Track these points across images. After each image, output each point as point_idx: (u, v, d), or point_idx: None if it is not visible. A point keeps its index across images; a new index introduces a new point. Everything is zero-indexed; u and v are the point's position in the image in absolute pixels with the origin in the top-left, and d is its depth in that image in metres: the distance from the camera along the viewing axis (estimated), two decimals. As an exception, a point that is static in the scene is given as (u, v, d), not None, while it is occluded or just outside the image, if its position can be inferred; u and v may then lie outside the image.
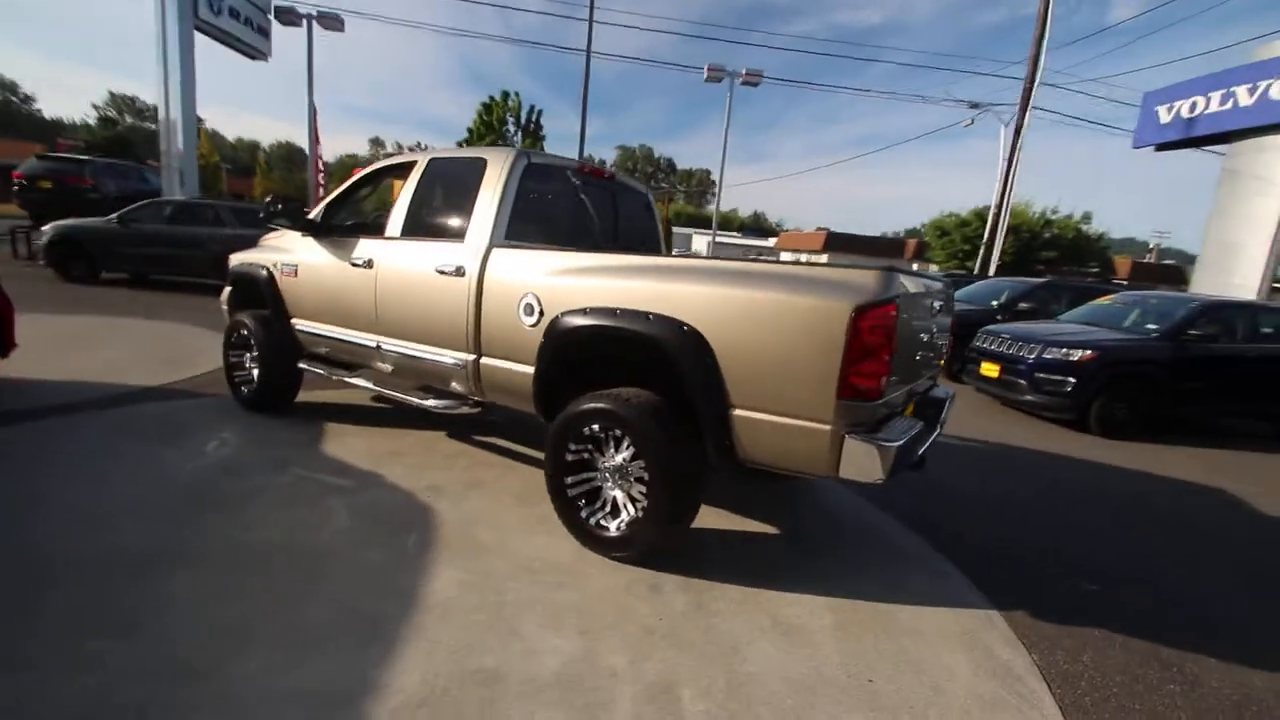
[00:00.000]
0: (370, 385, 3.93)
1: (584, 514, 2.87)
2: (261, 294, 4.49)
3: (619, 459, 2.77)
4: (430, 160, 3.71)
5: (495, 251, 3.20)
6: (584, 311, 2.80)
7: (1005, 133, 21.08)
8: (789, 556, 3.06)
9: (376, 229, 3.89)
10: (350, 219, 4.24)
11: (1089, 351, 6.25)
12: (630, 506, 2.78)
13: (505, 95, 34.98)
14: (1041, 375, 6.44)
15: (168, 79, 12.90)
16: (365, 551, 2.68)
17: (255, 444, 3.88)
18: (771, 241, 62.48)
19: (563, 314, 2.87)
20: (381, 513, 3.08)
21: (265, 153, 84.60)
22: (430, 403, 3.56)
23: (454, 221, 3.48)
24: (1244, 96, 16.48)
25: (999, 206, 20.00)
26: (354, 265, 3.80)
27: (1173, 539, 3.85)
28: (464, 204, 3.45)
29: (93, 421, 4.00)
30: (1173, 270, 52.08)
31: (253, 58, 16.71)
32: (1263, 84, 16.01)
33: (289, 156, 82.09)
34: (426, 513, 3.12)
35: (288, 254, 4.28)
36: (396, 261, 3.61)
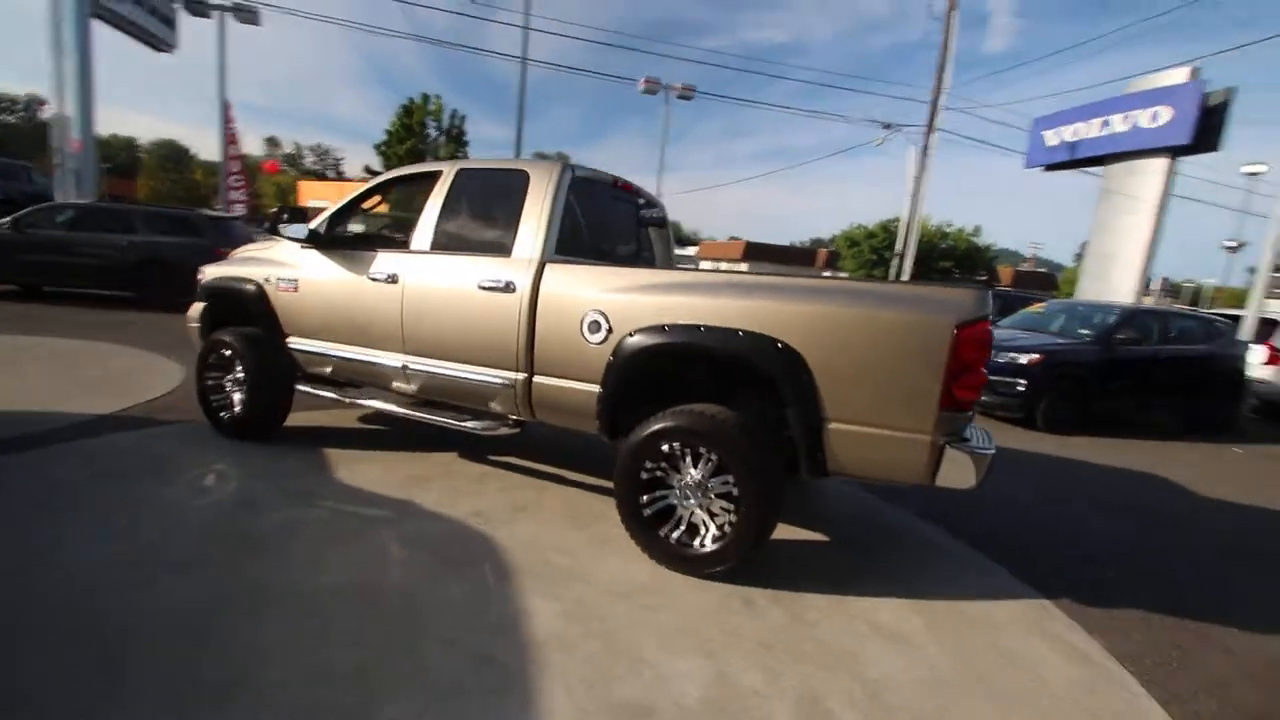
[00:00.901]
0: (392, 408, 3.70)
1: (662, 533, 2.84)
2: (249, 310, 4.13)
3: (697, 475, 2.77)
4: (458, 171, 3.56)
5: (549, 268, 3.12)
6: (662, 329, 2.78)
7: (914, 151, 22.77)
8: (848, 561, 3.17)
9: (397, 242, 3.69)
10: (357, 231, 3.99)
11: (1036, 355, 6.87)
12: (710, 523, 2.78)
13: (425, 98, 33.97)
14: (995, 378, 6.98)
15: (62, 70, 11.52)
16: (445, 587, 2.52)
17: (260, 476, 3.54)
18: (691, 250, 63.97)
19: (636, 331, 2.84)
20: (439, 544, 2.90)
21: (145, 152, 77.15)
22: (471, 425, 3.40)
23: (495, 235, 3.36)
24: (1119, 124, 18.64)
25: (909, 220, 21.49)
26: (373, 280, 3.57)
27: (1145, 523, 4.30)
28: (505, 217, 3.34)
29: (60, 458, 3.51)
30: (1046, 277, 58.00)
31: (156, 48, 15.27)
32: (1134, 114, 18.17)
33: (174, 156, 75.34)
34: (485, 541, 2.98)
35: (283, 267, 3.95)
36: (428, 277, 3.43)
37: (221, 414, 4.17)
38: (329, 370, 3.95)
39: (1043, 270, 65.43)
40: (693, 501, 2.79)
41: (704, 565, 2.75)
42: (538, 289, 3.10)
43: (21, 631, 2.03)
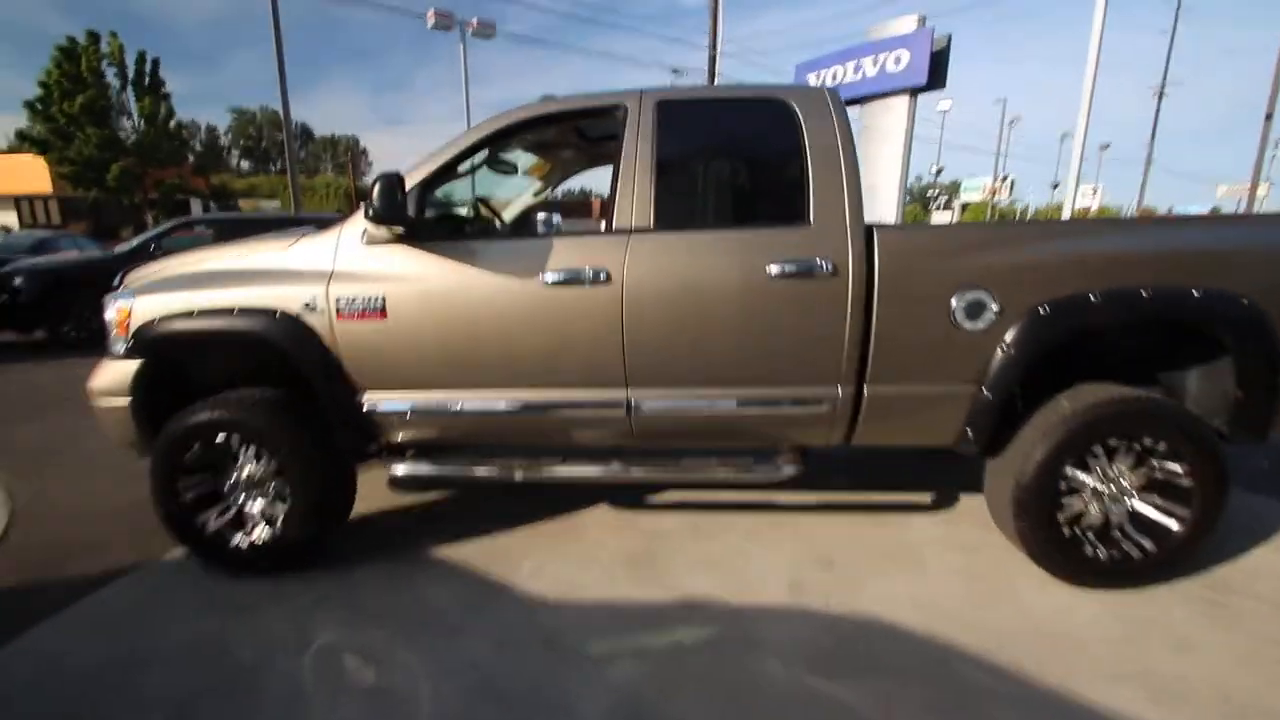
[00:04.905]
0: (595, 474, 2.50)
1: (1088, 550, 2.30)
2: (261, 362, 2.46)
3: (1132, 473, 2.28)
4: (658, 105, 2.36)
5: (882, 235, 2.24)
6: (1088, 300, 2.15)
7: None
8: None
9: (556, 224, 2.42)
10: (460, 208, 2.54)
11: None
12: (1122, 522, 2.32)
13: (94, 37, 25.50)
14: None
15: None
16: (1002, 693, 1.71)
17: (471, 614, 2.15)
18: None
19: (1045, 305, 2.17)
20: (851, 646, 2.01)
21: None
22: (758, 474, 2.43)
23: (771, 198, 2.36)
24: (869, 68, 21.29)
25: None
26: (555, 284, 2.28)
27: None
28: (774, 170, 2.36)
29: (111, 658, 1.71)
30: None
31: None
32: (880, 57, 20.92)
33: None
34: (885, 629, 2.15)
35: (343, 282, 2.35)
36: (667, 268, 2.27)
37: (234, 540, 2.47)
38: (457, 434, 2.52)
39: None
40: (1130, 502, 2.30)
41: (1147, 573, 2.29)
42: (872, 267, 2.22)
43: None
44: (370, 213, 2.14)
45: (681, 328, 2.29)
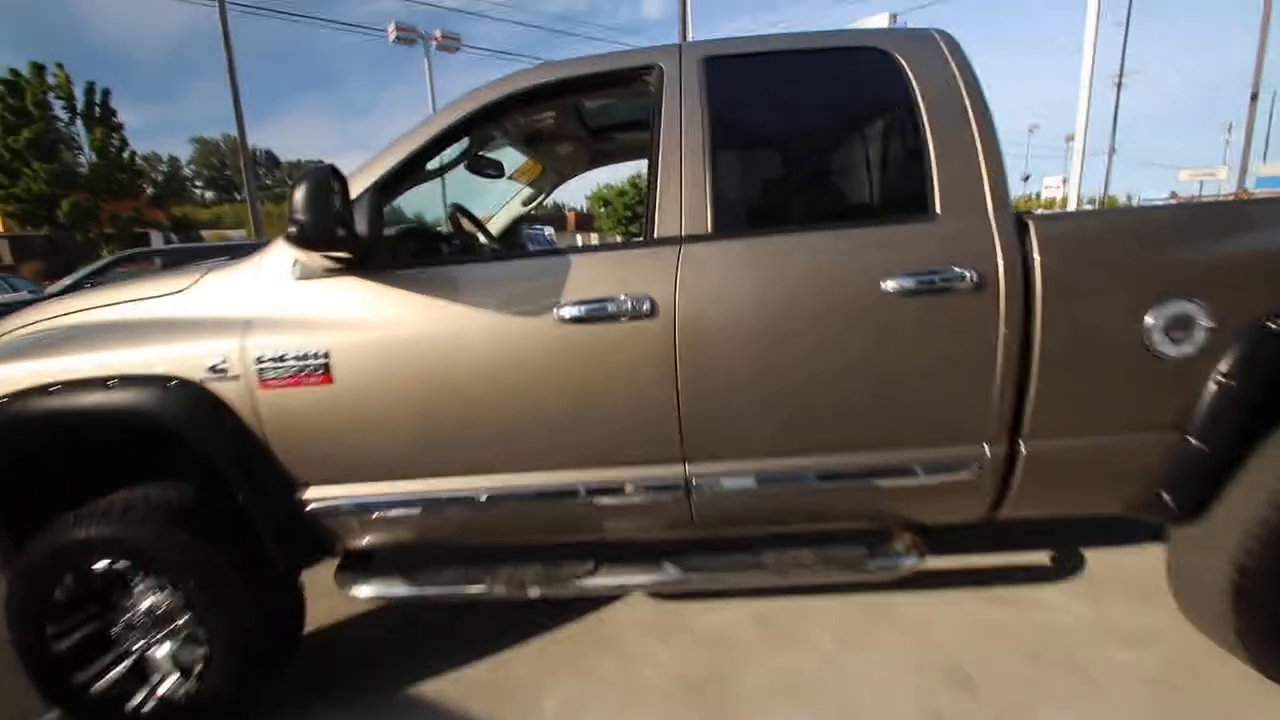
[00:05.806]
0: (670, 581, 1.79)
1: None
2: (154, 451, 1.73)
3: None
4: (706, 61, 1.68)
5: (1045, 228, 1.58)
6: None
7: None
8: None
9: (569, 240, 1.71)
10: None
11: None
12: None
13: (38, 69, 24.27)
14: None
15: None
16: None
17: None
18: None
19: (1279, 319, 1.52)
20: None
21: None
22: (876, 565, 1.73)
23: (869, 184, 1.68)
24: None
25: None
26: (573, 321, 1.58)
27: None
28: (873, 146, 1.69)
29: None
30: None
31: None
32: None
33: None
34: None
35: (263, 331, 1.62)
36: (738, 290, 1.58)
37: (135, 699, 1.74)
38: (442, 535, 1.80)
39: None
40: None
41: None
42: (1031, 274, 1.55)
43: None
44: (297, 232, 1.41)
45: (760, 375, 1.59)
